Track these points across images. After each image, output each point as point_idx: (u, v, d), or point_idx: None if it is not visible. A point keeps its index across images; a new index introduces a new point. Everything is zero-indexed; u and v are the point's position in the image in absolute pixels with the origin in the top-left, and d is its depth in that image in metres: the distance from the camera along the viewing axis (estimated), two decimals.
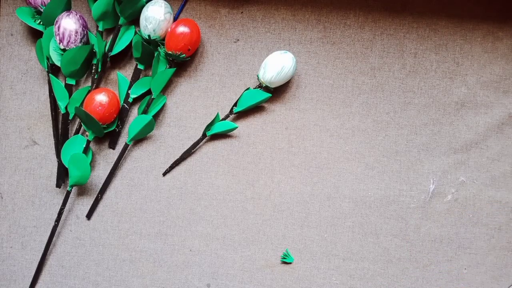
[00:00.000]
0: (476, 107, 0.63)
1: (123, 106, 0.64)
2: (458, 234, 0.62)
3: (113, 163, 0.64)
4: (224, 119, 0.63)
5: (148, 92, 0.64)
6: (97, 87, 0.64)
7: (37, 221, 0.65)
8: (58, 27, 0.60)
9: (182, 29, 0.60)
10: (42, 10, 0.62)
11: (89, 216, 0.64)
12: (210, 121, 0.63)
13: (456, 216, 0.62)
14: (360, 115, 0.63)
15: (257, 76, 0.62)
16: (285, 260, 0.63)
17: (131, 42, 0.63)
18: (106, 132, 0.63)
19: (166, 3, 0.61)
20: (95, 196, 0.64)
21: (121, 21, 0.62)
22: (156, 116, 0.64)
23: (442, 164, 0.62)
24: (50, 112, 0.64)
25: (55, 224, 0.63)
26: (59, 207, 0.63)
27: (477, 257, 0.62)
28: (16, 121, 0.65)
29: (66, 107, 0.63)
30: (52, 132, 0.65)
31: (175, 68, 0.63)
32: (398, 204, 0.63)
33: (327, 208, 0.63)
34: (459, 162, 0.62)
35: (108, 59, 0.64)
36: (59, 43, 0.60)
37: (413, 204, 0.62)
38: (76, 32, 0.60)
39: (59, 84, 0.62)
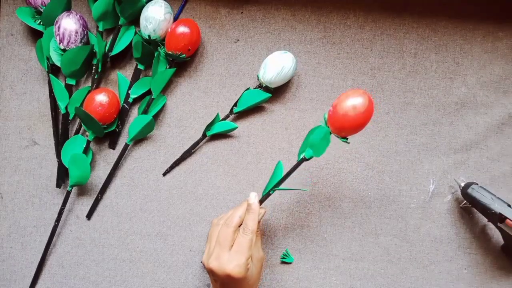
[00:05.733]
0: (476, 107, 0.62)
1: (123, 106, 0.64)
2: (458, 234, 0.62)
3: (113, 163, 0.64)
4: (224, 119, 0.63)
5: (148, 92, 0.64)
6: (97, 87, 0.64)
7: (37, 221, 0.65)
8: (58, 27, 0.60)
9: (182, 29, 0.60)
10: (42, 10, 0.62)
11: (89, 216, 0.64)
12: (210, 121, 0.63)
13: (456, 216, 0.62)
14: None
15: (257, 76, 0.62)
16: (285, 260, 0.63)
17: (131, 42, 0.63)
18: (106, 132, 0.63)
19: (166, 3, 0.61)
20: (95, 196, 0.64)
21: (121, 21, 0.62)
22: (156, 116, 0.64)
23: (442, 164, 0.62)
24: (50, 112, 0.64)
25: (55, 224, 0.63)
26: (59, 207, 0.63)
27: (477, 257, 0.62)
28: (16, 121, 0.65)
29: (66, 107, 0.63)
30: (52, 132, 0.65)
31: (175, 68, 0.63)
32: (398, 204, 0.63)
33: (327, 208, 0.63)
34: (459, 162, 0.62)
35: (108, 59, 0.64)
36: (59, 43, 0.60)
37: (413, 204, 0.62)
38: (76, 32, 0.60)
39: (59, 84, 0.62)
